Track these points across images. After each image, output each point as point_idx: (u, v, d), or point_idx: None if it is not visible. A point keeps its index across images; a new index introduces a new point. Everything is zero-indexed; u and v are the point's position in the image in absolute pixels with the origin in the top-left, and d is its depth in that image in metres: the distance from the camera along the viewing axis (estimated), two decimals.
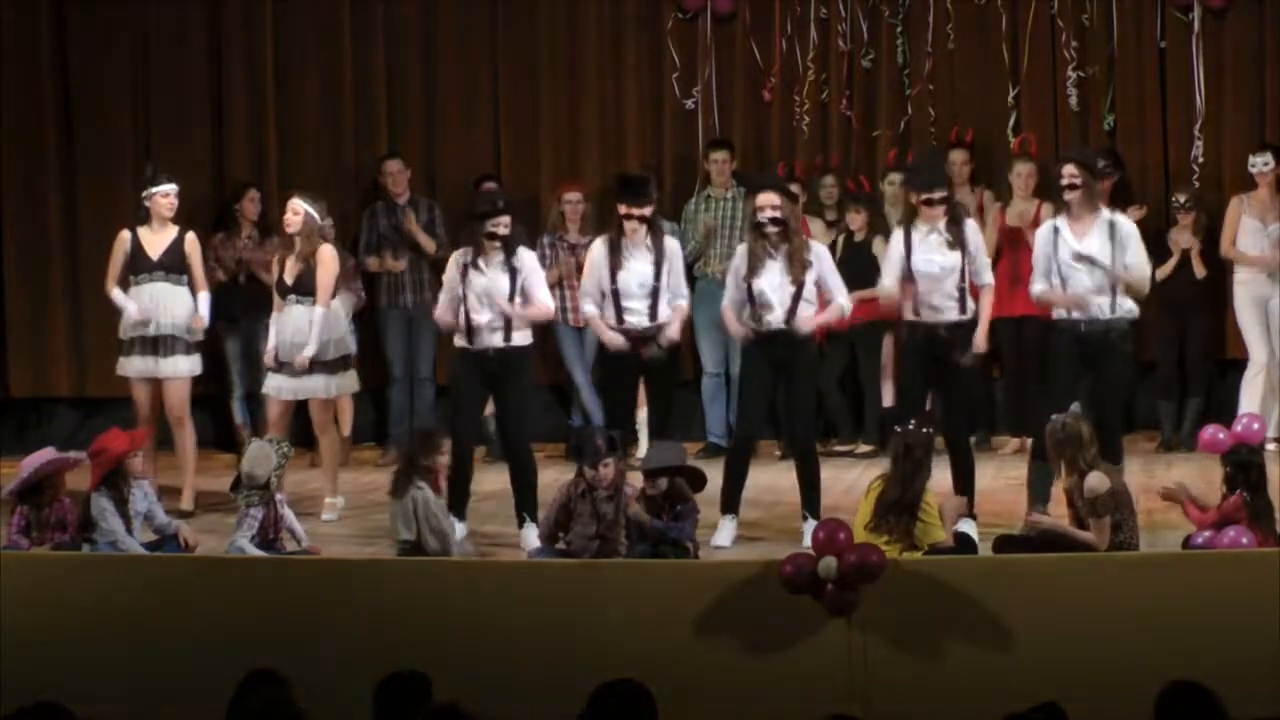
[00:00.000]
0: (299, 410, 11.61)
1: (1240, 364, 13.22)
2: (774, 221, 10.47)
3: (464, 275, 10.65)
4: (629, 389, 10.94)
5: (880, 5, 14.02)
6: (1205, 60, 13.73)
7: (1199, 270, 13.16)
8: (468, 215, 11.06)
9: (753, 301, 10.50)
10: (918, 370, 10.69)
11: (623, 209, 10.80)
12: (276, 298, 11.54)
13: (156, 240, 11.75)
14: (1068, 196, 10.50)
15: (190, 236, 11.83)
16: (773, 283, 10.47)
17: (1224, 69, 13.78)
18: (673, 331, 10.78)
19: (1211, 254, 13.18)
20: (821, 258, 10.63)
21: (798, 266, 10.45)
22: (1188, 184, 13.53)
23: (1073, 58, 13.85)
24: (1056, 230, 10.53)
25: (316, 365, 11.40)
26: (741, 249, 10.72)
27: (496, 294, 10.61)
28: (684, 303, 10.92)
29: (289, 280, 11.44)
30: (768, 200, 10.51)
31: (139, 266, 11.70)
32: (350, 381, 11.72)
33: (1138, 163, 13.79)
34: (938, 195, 10.62)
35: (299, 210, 11.50)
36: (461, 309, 10.64)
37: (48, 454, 10.30)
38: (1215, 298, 13.29)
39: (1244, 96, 13.75)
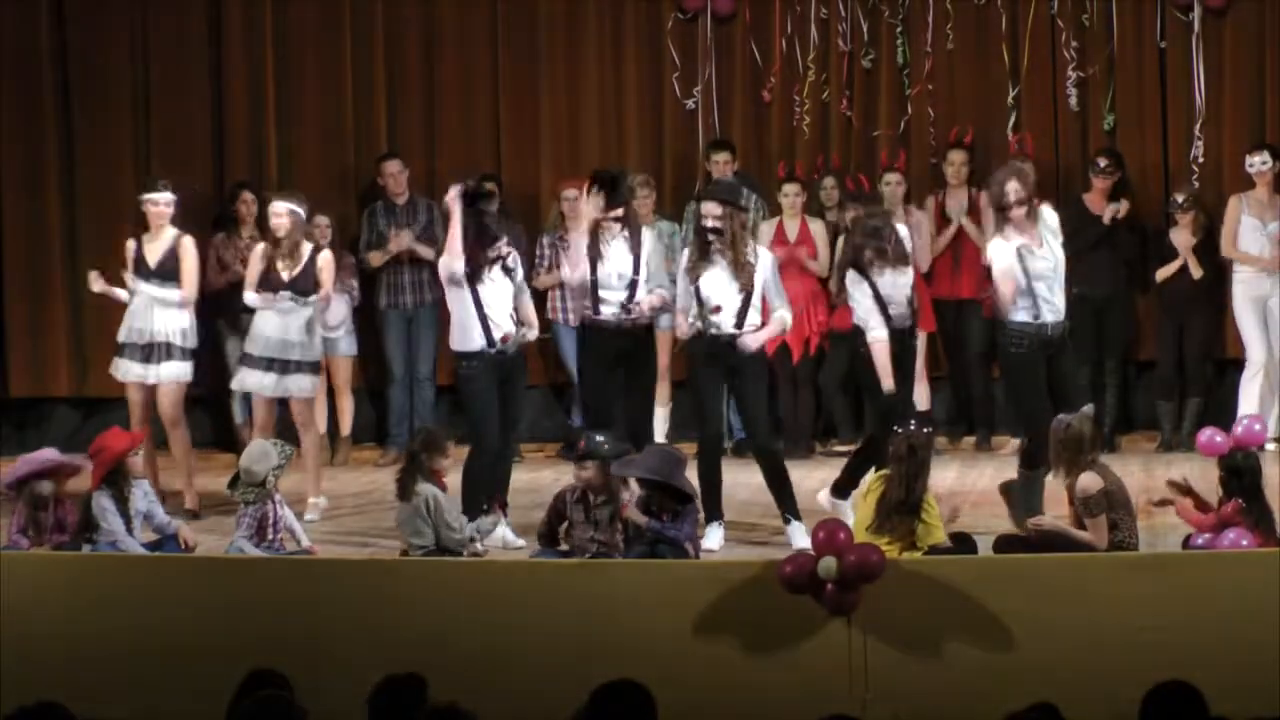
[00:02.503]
0: (284, 409, 11.63)
1: (1239, 364, 13.23)
2: (713, 231, 10.54)
3: (474, 291, 10.61)
4: (611, 385, 10.90)
5: (880, 5, 14.02)
6: (1205, 60, 13.73)
7: (1196, 270, 13.15)
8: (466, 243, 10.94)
9: (700, 303, 10.54)
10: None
11: (598, 214, 10.84)
12: (255, 285, 11.51)
13: (154, 247, 11.76)
14: (1015, 214, 10.45)
15: (185, 241, 11.79)
16: (719, 286, 10.51)
17: (1224, 69, 13.77)
18: (648, 304, 10.93)
19: (1210, 254, 13.18)
20: (766, 265, 10.65)
21: (744, 274, 10.50)
22: (1187, 184, 13.54)
23: (1073, 58, 13.85)
24: (1019, 250, 10.48)
25: (302, 365, 11.43)
26: (686, 251, 10.79)
27: (508, 302, 10.66)
28: (664, 292, 10.99)
29: (285, 276, 11.45)
30: (709, 210, 10.61)
31: (139, 273, 11.71)
32: (315, 385, 11.78)
33: (1138, 163, 13.79)
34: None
35: (281, 212, 11.52)
36: (474, 311, 10.62)
37: (48, 455, 10.29)
38: (1214, 298, 13.29)
39: (1244, 96, 13.74)
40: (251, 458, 10.21)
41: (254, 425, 11.65)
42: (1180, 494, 9.71)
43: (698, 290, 10.55)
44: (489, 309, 10.59)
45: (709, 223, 10.57)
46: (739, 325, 10.51)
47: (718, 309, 10.48)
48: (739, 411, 11.06)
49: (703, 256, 10.55)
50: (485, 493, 10.54)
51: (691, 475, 10.07)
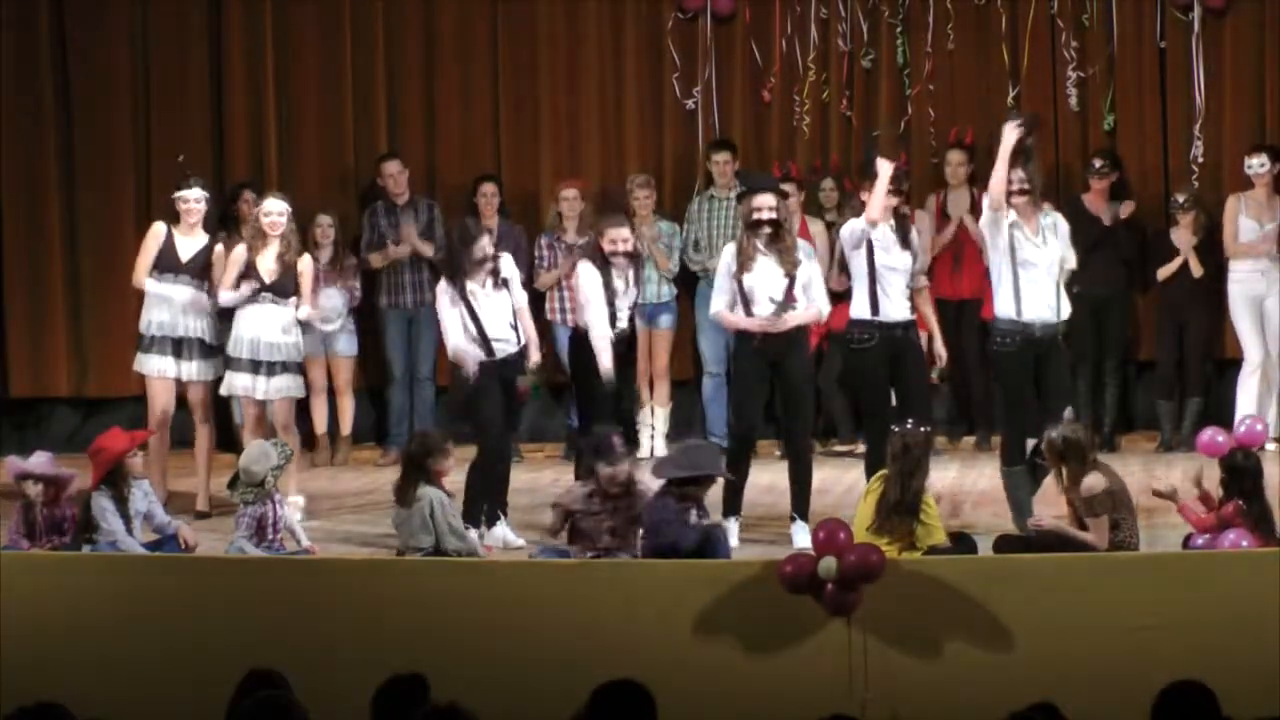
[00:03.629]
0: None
1: (1239, 363, 13.23)
2: (771, 223, 10.53)
3: (465, 301, 10.63)
4: (597, 385, 10.88)
5: (880, 5, 14.03)
6: (1205, 60, 13.73)
7: (1196, 270, 13.16)
8: (452, 254, 10.91)
9: (744, 299, 10.54)
10: (882, 369, 10.70)
11: (607, 245, 10.81)
12: (235, 284, 11.51)
13: (188, 244, 11.76)
14: (1015, 201, 10.48)
15: (220, 250, 11.82)
16: (765, 279, 10.52)
17: (1224, 69, 13.78)
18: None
19: (1210, 254, 13.18)
20: (809, 259, 10.68)
21: (789, 262, 10.51)
22: (1187, 184, 13.54)
23: (1073, 58, 13.85)
24: (1012, 226, 10.51)
25: (287, 365, 11.44)
26: (729, 248, 10.77)
27: (504, 313, 10.68)
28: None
29: (266, 278, 11.45)
30: (765, 202, 10.60)
31: (166, 265, 11.71)
32: (302, 386, 11.80)
33: (1138, 163, 13.80)
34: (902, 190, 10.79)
35: (276, 210, 11.51)
36: (471, 327, 10.62)
37: (40, 462, 10.28)
38: (1214, 298, 13.29)
39: (1244, 96, 13.75)
40: (250, 458, 10.21)
41: (246, 426, 11.65)
42: (1168, 499, 9.73)
43: (741, 284, 10.55)
44: (486, 324, 10.60)
45: (765, 214, 10.57)
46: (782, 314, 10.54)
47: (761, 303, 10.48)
48: (781, 405, 10.94)
49: (751, 252, 10.53)
50: (487, 498, 10.53)
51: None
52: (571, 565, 9.42)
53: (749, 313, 10.56)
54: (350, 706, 6.79)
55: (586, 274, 10.81)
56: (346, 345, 13.53)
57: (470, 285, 10.65)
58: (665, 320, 13.57)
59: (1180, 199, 13.26)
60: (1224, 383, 13.50)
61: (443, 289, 10.76)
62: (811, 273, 10.66)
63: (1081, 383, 13.27)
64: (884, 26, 14.05)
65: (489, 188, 13.71)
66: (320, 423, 13.36)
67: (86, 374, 14.32)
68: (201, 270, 11.73)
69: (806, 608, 8.60)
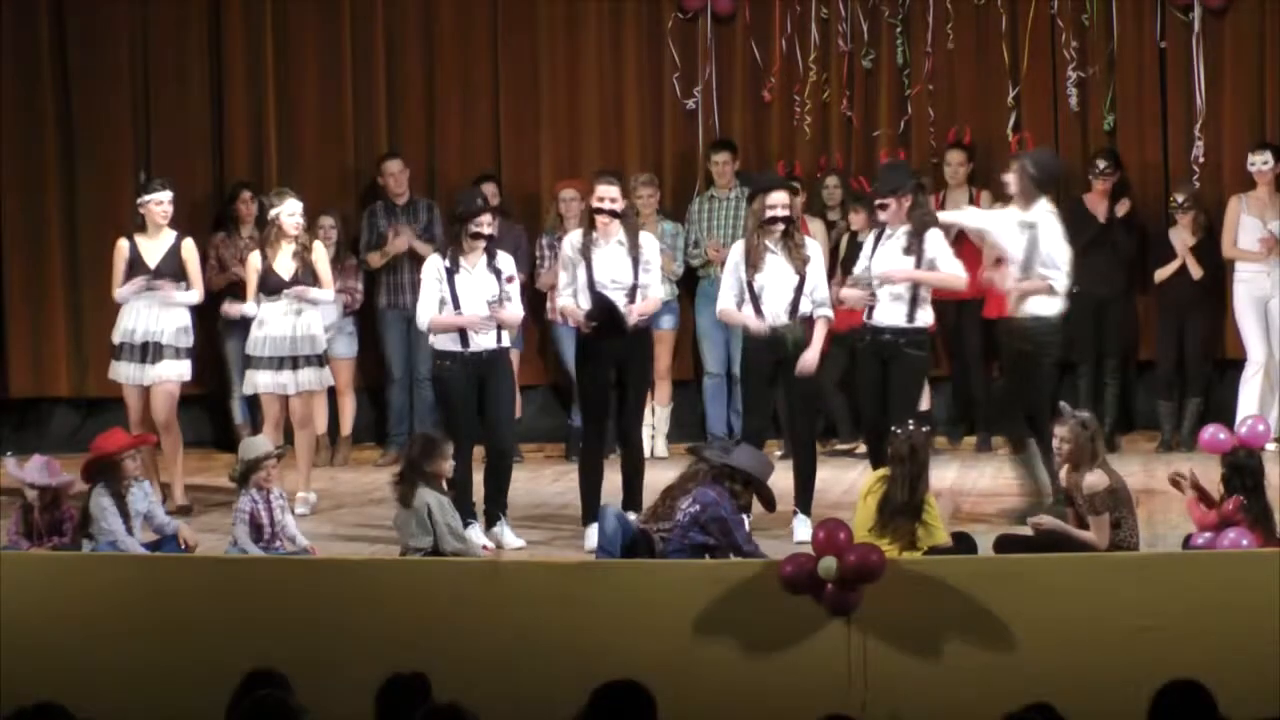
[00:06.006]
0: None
1: (1239, 364, 13.23)
2: (784, 220, 10.55)
3: (449, 278, 10.62)
4: (607, 388, 10.82)
5: (880, 5, 14.03)
6: (1205, 60, 13.73)
7: (1196, 270, 13.16)
8: (450, 215, 10.98)
9: (754, 297, 10.54)
10: (870, 372, 10.74)
11: (594, 201, 10.65)
12: (256, 293, 11.57)
13: (154, 248, 11.77)
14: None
15: (187, 243, 11.85)
16: (774, 278, 10.53)
17: (1224, 69, 13.78)
18: (632, 317, 10.57)
19: (1210, 254, 13.18)
20: (817, 257, 10.68)
21: (798, 260, 10.53)
22: (1187, 184, 13.54)
23: (1073, 58, 13.85)
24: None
25: (310, 359, 11.47)
26: (738, 246, 10.76)
27: (486, 296, 10.61)
28: (655, 295, 10.77)
29: (285, 276, 11.49)
30: (779, 199, 10.60)
31: (137, 274, 11.71)
32: (328, 376, 11.84)
33: (1138, 163, 13.79)
34: (879, 201, 10.77)
35: (297, 211, 11.59)
36: (449, 311, 10.60)
37: (37, 470, 10.26)
38: (1214, 298, 13.29)
39: (1244, 96, 13.74)
40: (244, 448, 10.34)
41: (265, 422, 11.66)
42: (1179, 489, 9.72)
43: (751, 284, 10.56)
44: (465, 306, 10.56)
45: (779, 212, 10.58)
46: (792, 315, 10.54)
47: (769, 301, 10.51)
48: (787, 402, 10.93)
49: (762, 251, 10.54)
50: (468, 494, 10.48)
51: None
52: (571, 565, 9.43)
53: (758, 311, 10.56)
54: (351, 706, 6.79)
55: (566, 245, 10.74)
56: (345, 346, 13.53)
57: (462, 261, 10.63)
58: (667, 321, 13.55)
59: (1180, 199, 13.25)
60: (1224, 383, 13.50)
61: (432, 262, 10.72)
62: (815, 270, 10.66)
63: (1082, 382, 13.30)
64: (884, 26, 14.05)
65: (489, 188, 13.69)
66: (320, 423, 13.35)
67: (86, 374, 14.31)
68: (174, 271, 11.72)
69: (806, 608, 8.60)
